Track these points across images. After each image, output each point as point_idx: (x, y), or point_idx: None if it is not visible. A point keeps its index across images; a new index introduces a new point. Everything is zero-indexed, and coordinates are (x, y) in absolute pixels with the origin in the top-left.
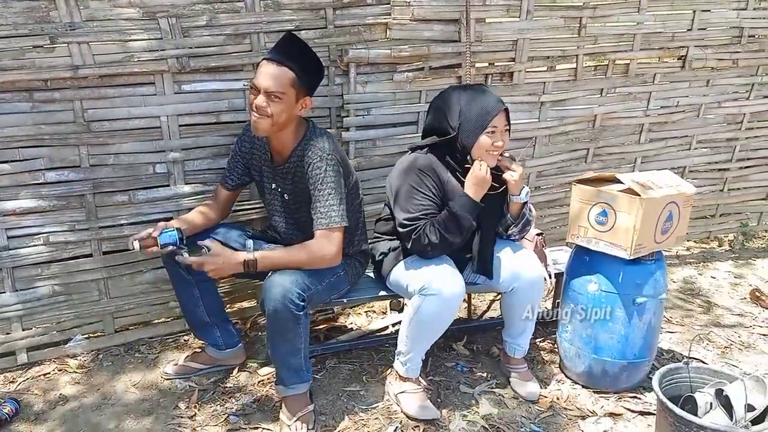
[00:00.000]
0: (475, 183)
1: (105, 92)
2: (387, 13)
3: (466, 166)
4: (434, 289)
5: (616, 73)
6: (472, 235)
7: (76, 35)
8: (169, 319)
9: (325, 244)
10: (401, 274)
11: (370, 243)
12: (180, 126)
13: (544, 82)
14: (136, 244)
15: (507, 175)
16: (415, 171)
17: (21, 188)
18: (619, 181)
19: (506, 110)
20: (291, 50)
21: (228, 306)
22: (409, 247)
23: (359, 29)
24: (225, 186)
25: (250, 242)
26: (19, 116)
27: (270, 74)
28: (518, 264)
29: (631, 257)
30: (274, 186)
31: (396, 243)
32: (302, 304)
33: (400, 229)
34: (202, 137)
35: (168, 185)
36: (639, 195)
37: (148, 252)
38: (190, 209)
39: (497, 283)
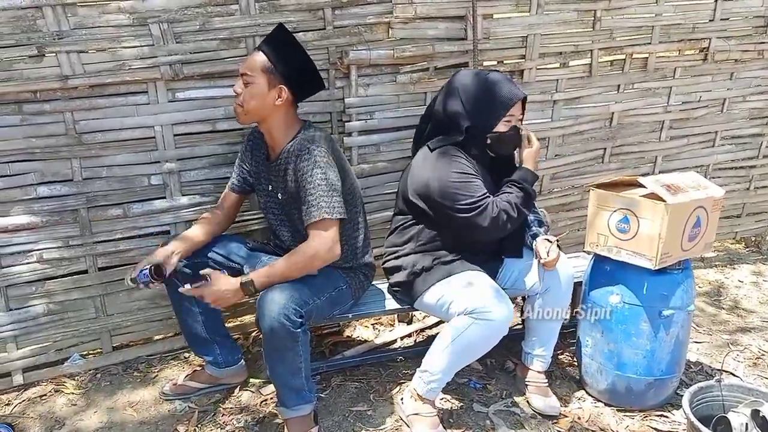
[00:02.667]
0: (533, 156)
1: (96, 102)
2: (389, 12)
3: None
4: (486, 313)
5: (633, 68)
6: None
7: (65, 44)
8: (168, 336)
9: (318, 239)
10: (440, 294)
11: (387, 258)
12: (175, 135)
13: (557, 80)
14: (129, 281)
15: (542, 251)
16: (452, 158)
17: (12, 204)
18: (640, 185)
19: (524, 100)
20: (270, 37)
21: (229, 320)
22: (485, 225)
23: (360, 29)
24: (231, 188)
25: (246, 268)
26: (9, 130)
27: (248, 59)
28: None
29: (657, 267)
30: (270, 188)
31: (428, 261)
32: (300, 320)
33: (466, 215)
34: (198, 146)
35: (164, 197)
36: (663, 200)
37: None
38: (188, 221)
39: (527, 287)
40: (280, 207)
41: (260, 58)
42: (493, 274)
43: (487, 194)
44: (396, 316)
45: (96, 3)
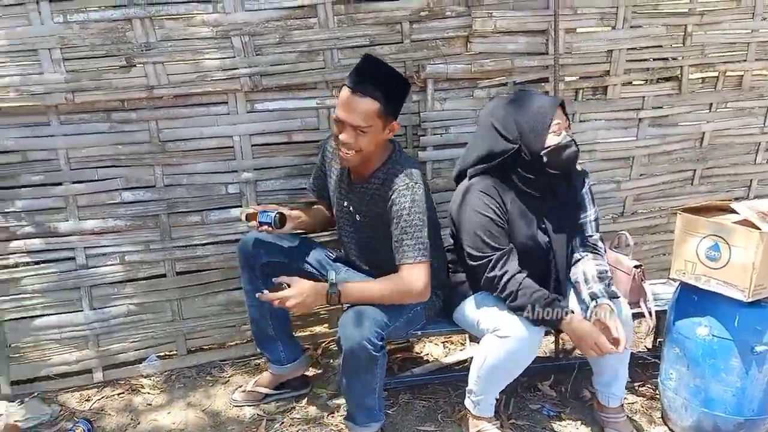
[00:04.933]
0: (582, 334)
1: (179, 112)
2: (467, 26)
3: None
4: (509, 331)
5: (727, 86)
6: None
7: (152, 55)
8: (241, 342)
9: (414, 278)
10: (471, 310)
11: None
12: (252, 146)
13: (643, 97)
14: (243, 216)
15: (612, 328)
16: (477, 194)
17: (99, 208)
18: (732, 211)
19: (562, 104)
20: (374, 77)
21: (299, 330)
22: (482, 283)
23: (437, 43)
24: (312, 193)
25: (332, 273)
26: (98, 136)
27: (355, 108)
28: None
29: (750, 299)
30: (345, 204)
31: (461, 276)
32: (381, 343)
33: (471, 262)
34: (274, 157)
35: (240, 206)
36: (759, 228)
37: (251, 225)
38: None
39: None
40: (355, 226)
41: (373, 106)
42: None
43: (492, 250)
44: (468, 335)
45: (182, 16)
